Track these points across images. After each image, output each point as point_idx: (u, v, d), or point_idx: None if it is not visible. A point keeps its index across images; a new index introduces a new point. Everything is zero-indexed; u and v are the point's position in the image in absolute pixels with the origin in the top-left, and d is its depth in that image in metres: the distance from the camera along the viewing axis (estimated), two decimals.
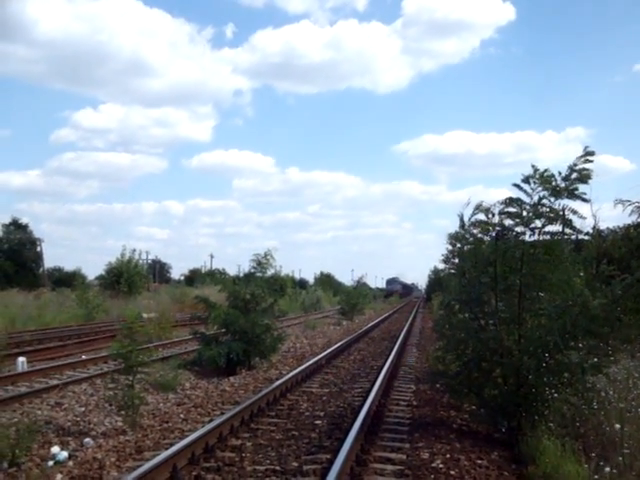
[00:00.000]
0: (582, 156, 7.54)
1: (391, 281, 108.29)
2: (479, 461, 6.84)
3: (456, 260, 9.45)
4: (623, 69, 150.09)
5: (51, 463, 6.75)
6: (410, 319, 34.09)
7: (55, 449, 7.13)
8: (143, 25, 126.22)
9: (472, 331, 8.19)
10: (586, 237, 10.75)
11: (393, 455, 6.99)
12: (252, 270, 14.92)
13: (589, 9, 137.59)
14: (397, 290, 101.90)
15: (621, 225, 22.34)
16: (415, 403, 10.18)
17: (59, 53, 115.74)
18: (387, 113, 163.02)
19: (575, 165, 7.54)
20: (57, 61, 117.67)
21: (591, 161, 7.52)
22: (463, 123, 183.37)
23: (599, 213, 21.23)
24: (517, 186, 7.75)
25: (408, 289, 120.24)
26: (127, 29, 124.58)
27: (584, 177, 7.55)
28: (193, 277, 78.64)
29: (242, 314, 14.04)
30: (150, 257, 71.88)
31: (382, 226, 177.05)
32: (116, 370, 11.16)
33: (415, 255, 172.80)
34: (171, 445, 6.92)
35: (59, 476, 6.21)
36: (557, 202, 7.59)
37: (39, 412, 8.85)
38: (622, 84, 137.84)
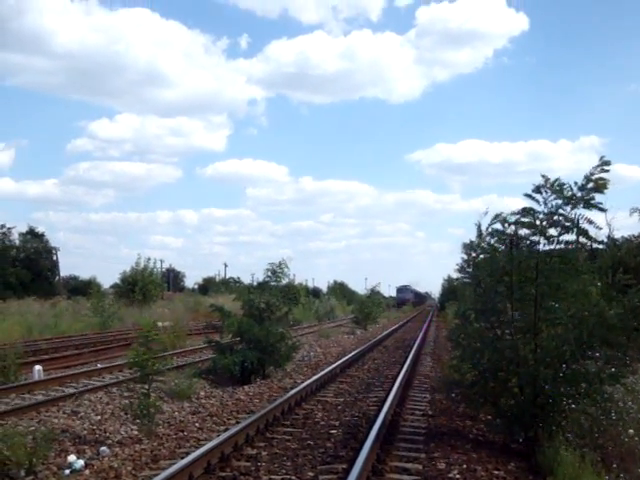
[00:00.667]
0: (598, 165, 7.51)
1: (402, 289, 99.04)
2: (496, 472, 6.79)
3: (471, 269, 9.42)
4: (637, 77, 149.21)
5: (67, 472, 6.78)
6: (424, 328, 33.94)
7: (72, 458, 7.16)
8: (159, 36, 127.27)
9: (488, 340, 8.16)
10: (601, 246, 10.68)
11: (409, 465, 6.95)
12: (267, 279, 14.95)
13: (602, 18, 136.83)
14: (408, 299, 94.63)
15: (636, 234, 22.20)
16: (430, 413, 10.13)
17: (76, 64, 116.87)
18: (400, 122, 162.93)
19: (591, 174, 7.51)
20: (74, 72, 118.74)
21: (607, 170, 7.49)
22: (476, 132, 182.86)
23: (613, 222, 21.13)
24: (529, 196, 7.75)
25: (421, 297, 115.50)
26: (143, 40, 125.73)
27: (600, 187, 7.51)
28: (207, 286, 78.88)
29: (257, 323, 14.06)
30: (164, 266, 72.23)
31: (395, 235, 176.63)
32: (132, 379, 11.26)
33: (429, 264, 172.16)
34: (187, 454, 6.93)
35: None
36: (573, 211, 7.58)
37: (55, 420, 8.89)
38: (636, 92, 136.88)
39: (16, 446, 6.62)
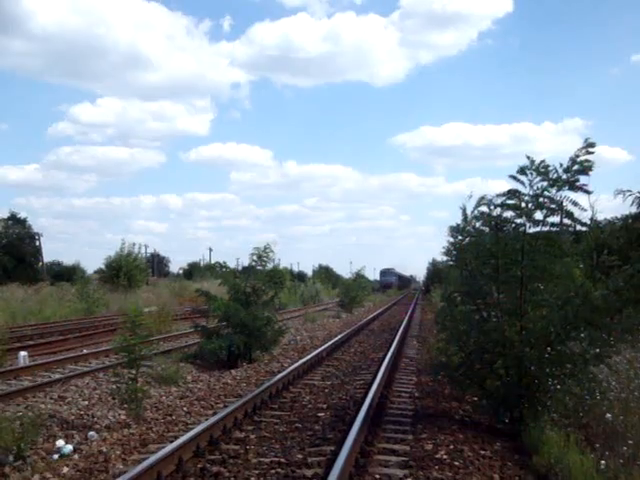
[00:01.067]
0: (583, 147, 7.55)
1: (385, 272, 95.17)
2: (482, 452, 6.88)
3: (457, 252, 9.47)
4: (621, 60, 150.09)
5: (56, 456, 6.77)
6: (409, 311, 34.14)
7: (60, 442, 7.15)
8: (140, 18, 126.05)
9: (474, 323, 8.23)
10: (584, 228, 10.79)
11: (397, 446, 7.02)
12: (252, 263, 14.94)
13: (586, 1, 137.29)
14: (392, 282, 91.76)
15: (619, 216, 22.39)
16: (417, 395, 10.22)
17: (56, 47, 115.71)
18: (384, 105, 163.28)
19: (577, 156, 7.55)
20: (54, 55, 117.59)
21: (592, 152, 7.53)
22: (460, 115, 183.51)
23: (596, 204, 21.28)
24: (514, 177, 7.77)
25: (405, 281, 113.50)
26: (124, 22, 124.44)
27: (586, 169, 7.56)
28: (192, 271, 78.67)
29: (243, 307, 14.06)
30: (149, 251, 71.89)
31: (380, 218, 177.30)
32: (119, 364, 11.24)
33: (413, 247, 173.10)
34: (176, 438, 6.95)
35: (65, 469, 6.25)
36: (558, 194, 7.63)
37: (43, 406, 8.86)
38: (620, 75, 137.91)
39: (4, 431, 6.59)
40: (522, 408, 7.70)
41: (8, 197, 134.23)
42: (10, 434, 6.62)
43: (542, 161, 7.54)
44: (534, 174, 7.51)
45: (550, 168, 7.46)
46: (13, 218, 62.00)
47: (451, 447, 6.98)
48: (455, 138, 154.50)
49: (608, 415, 6.95)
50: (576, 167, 7.56)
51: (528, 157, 7.58)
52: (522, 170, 7.57)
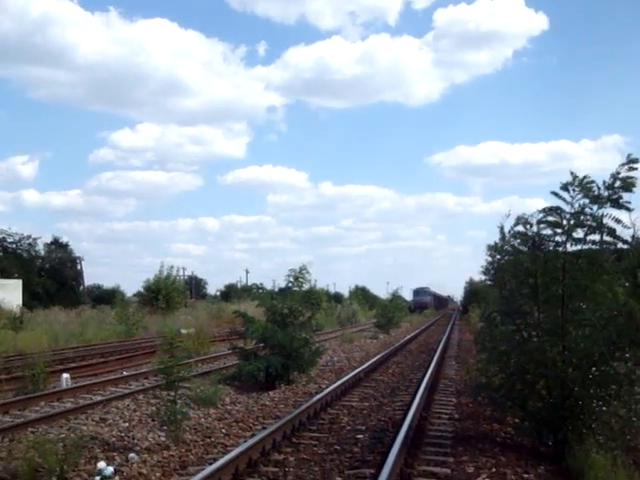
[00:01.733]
0: (625, 164, 7.42)
1: (419, 291, 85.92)
2: (526, 475, 6.74)
3: (495, 271, 9.36)
4: None
5: (98, 478, 6.82)
6: (447, 332, 33.74)
7: (101, 464, 7.20)
8: (178, 46, 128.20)
9: (515, 343, 8.09)
10: (626, 246, 10.58)
11: (437, 469, 6.91)
12: (289, 285, 14.97)
13: (623, 16, 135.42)
14: (427, 302, 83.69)
15: None
16: (457, 416, 10.07)
17: (97, 76, 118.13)
18: (419, 126, 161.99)
19: (618, 173, 7.43)
20: (96, 84, 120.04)
21: (635, 168, 7.40)
22: (496, 134, 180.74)
23: (638, 221, 20.80)
24: (555, 194, 7.66)
25: (442, 301, 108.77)
26: (162, 50, 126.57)
27: (628, 185, 7.43)
28: (229, 292, 79.18)
29: (280, 328, 14.08)
30: (186, 273, 72.68)
31: (416, 238, 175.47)
32: (158, 386, 11.34)
33: (450, 267, 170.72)
34: (215, 460, 6.96)
35: None
36: (600, 211, 7.50)
37: (84, 427, 8.97)
38: None
39: (47, 453, 6.69)
40: (566, 430, 7.52)
41: (51, 222, 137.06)
42: (53, 456, 6.71)
43: (585, 176, 7.42)
44: (577, 190, 7.40)
45: (593, 184, 7.34)
46: (56, 243, 63.54)
47: (493, 470, 6.86)
48: (491, 157, 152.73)
49: None
50: (618, 184, 7.43)
51: (572, 173, 7.49)
52: (565, 186, 7.46)
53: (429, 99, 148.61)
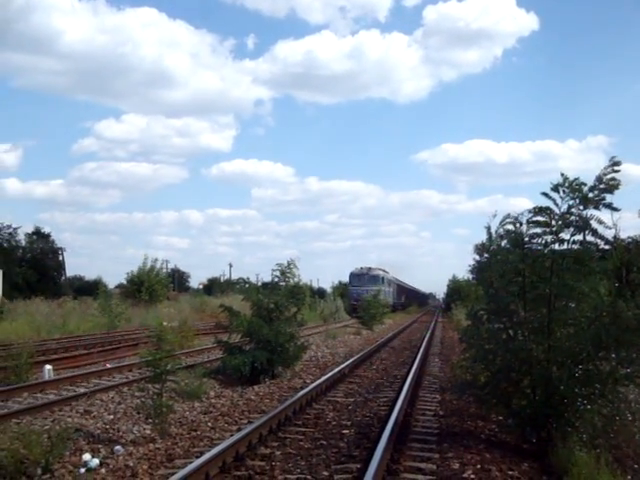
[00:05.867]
0: (609, 166, 7.53)
1: (362, 277, 51.17)
2: (510, 472, 6.80)
3: (483, 270, 9.42)
4: None
5: (83, 470, 6.81)
6: (430, 329, 33.93)
7: (87, 456, 7.18)
8: (166, 36, 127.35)
9: (500, 341, 8.17)
10: (608, 246, 10.72)
11: (423, 465, 6.97)
12: (275, 279, 14.98)
13: (613, 16, 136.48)
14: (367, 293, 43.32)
15: None
16: (442, 413, 10.14)
17: (83, 65, 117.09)
18: (406, 123, 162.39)
19: (604, 175, 7.52)
20: (81, 73, 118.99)
21: (618, 171, 7.51)
22: (483, 132, 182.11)
23: (620, 222, 21.06)
24: (545, 195, 7.74)
25: (419, 297, 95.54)
26: (150, 40, 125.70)
27: (612, 187, 7.53)
28: (211, 286, 78.96)
29: (266, 323, 14.08)
30: (169, 266, 72.32)
31: (401, 235, 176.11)
32: (142, 378, 11.31)
33: (434, 264, 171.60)
34: (202, 453, 6.96)
35: None
36: (585, 212, 7.59)
37: (69, 419, 8.92)
38: None
39: (32, 444, 6.65)
40: (550, 428, 7.60)
41: (33, 212, 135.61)
42: (38, 447, 6.67)
43: (576, 179, 7.51)
44: (566, 191, 7.48)
45: (584, 186, 7.43)
46: (37, 233, 62.92)
47: (478, 467, 6.91)
48: (477, 155, 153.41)
49: (639, 436, 6.84)
50: (602, 185, 7.53)
51: (562, 174, 7.56)
52: (556, 187, 7.53)
53: (417, 96, 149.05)
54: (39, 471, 6.59)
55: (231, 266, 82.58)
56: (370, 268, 51.41)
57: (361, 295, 43.74)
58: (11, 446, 6.73)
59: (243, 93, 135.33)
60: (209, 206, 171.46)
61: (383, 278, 52.33)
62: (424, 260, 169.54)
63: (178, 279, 78.17)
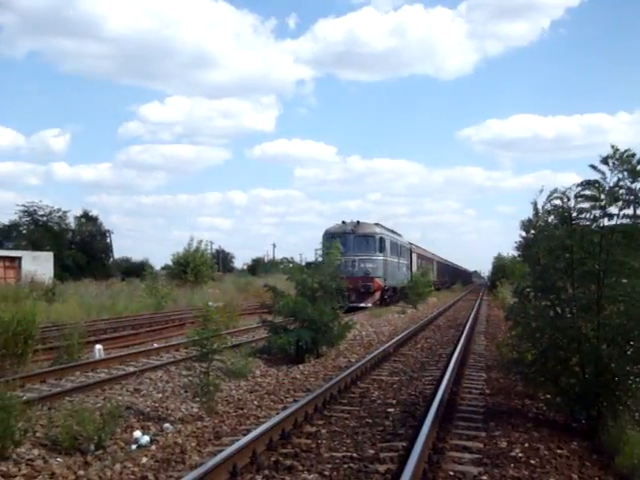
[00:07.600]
0: None
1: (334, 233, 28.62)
2: (559, 451, 6.71)
3: (530, 247, 9.24)
4: None
5: (134, 447, 6.98)
6: (475, 307, 33.61)
7: (137, 433, 7.36)
8: (208, 18, 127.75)
9: (548, 319, 8.02)
10: None
11: (470, 443, 6.92)
12: (319, 259, 15.00)
13: None
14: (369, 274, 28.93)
15: None
16: (488, 391, 10.05)
17: (127, 48, 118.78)
18: (450, 99, 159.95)
19: None
20: (125, 56, 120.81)
21: None
22: (529, 107, 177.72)
23: None
24: (594, 167, 7.51)
25: (463, 275, 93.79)
26: (192, 22, 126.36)
27: None
28: (256, 266, 79.72)
29: (310, 302, 14.13)
30: (214, 247, 73.24)
31: (444, 213, 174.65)
32: (189, 357, 11.50)
33: (478, 242, 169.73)
34: (248, 431, 7.06)
35: (144, 459, 6.42)
36: (635, 185, 7.36)
37: (120, 398, 9.13)
38: None
39: (85, 421, 6.83)
40: (600, 407, 7.47)
41: (81, 195, 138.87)
42: (91, 424, 6.85)
43: (626, 150, 7.26)
44: (616, 164, 7.24)
45: (634, 158, 7.18)
46: (86, 216, 64.44)
47: (526, 445, 6.84)
48: (523, 130, 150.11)
49: None
50: None
51: (613, 146, 7.32)
52: (605, 160, 7.30)
53: (461, 72, 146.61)
54: (92, 447, 6.78)
55: (275, 246, 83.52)
56: (359, 223, 30.24)
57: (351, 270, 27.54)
58: (65, 423, 6.95)
59: (285, 73, 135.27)
60: (253, 187, 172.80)
61: (383, 240, 30.63)
62: (469, 238, 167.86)
63: (222, 260, 79.13)
